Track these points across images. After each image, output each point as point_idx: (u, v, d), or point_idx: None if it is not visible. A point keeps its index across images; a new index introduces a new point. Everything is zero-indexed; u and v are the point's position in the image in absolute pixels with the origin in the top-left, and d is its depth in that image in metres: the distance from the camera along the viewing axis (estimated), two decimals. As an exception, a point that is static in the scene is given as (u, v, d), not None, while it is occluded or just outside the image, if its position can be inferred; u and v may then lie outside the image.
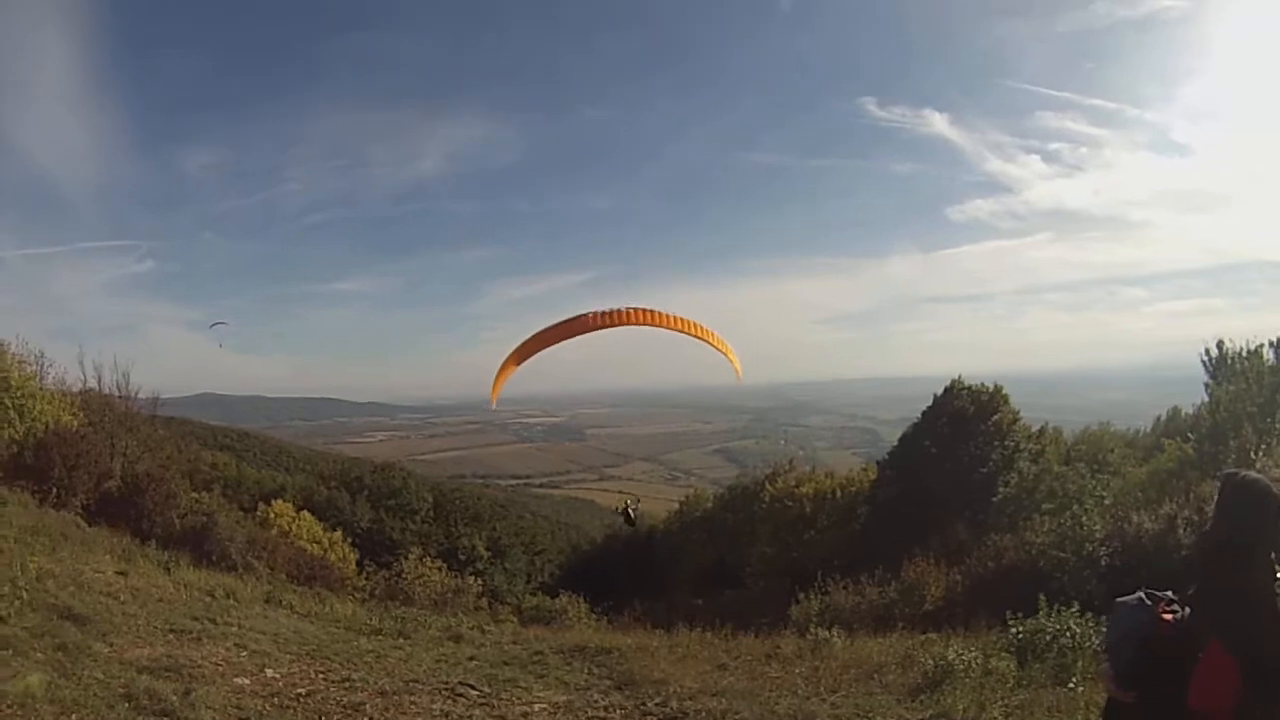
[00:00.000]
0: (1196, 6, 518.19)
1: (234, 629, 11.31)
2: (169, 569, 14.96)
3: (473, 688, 9.44)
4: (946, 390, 28.40)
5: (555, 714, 8.79)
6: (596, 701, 9.36)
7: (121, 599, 11.21)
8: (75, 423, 21.81)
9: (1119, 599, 3.89)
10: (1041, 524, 17.84)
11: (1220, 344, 25.47)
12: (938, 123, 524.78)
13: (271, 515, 28.43)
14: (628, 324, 12.76)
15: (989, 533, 20.07)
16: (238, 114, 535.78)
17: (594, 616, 24.79)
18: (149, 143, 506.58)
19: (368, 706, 8.20)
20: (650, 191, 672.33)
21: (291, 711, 7.73)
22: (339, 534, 30.48)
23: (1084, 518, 16.07)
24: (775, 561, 31.42)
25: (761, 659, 12.08)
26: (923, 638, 13.36)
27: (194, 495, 25.49)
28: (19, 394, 21.21)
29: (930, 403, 28.93)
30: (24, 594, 9.22)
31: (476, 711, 8.56)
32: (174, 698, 7.03)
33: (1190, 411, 26.39)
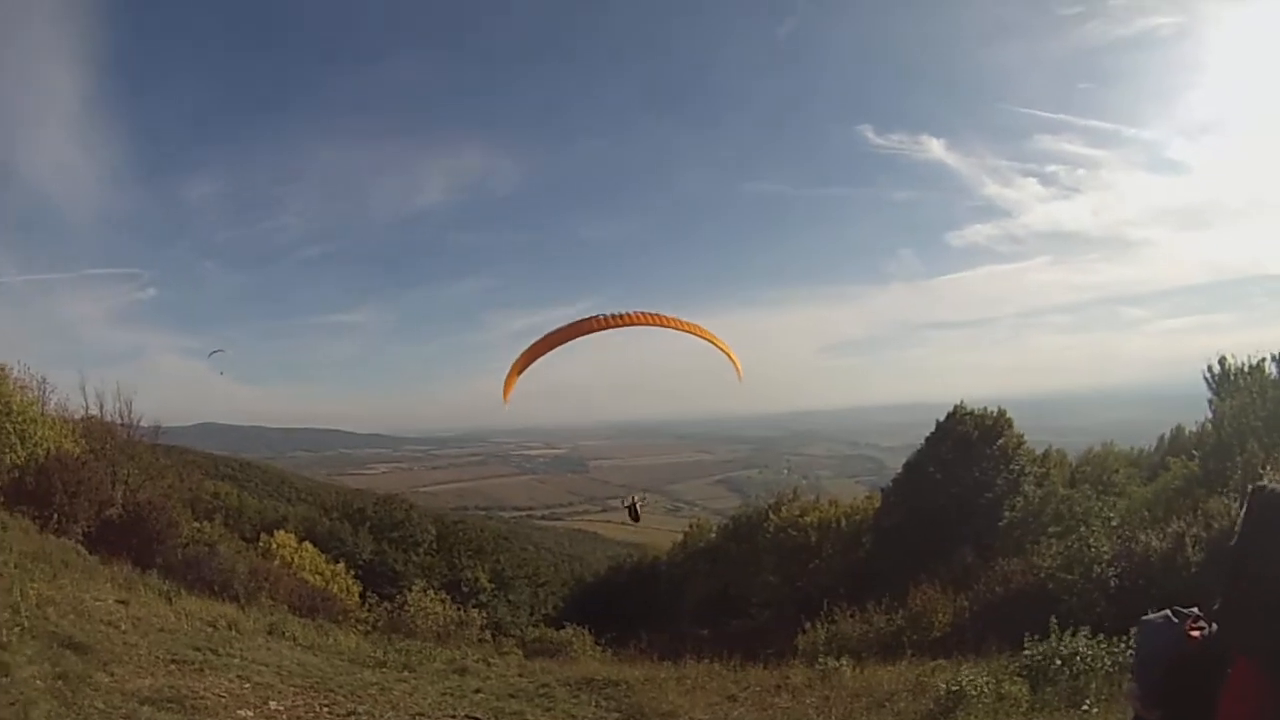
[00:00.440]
0: (1190, 23, 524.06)
1: (236, 660, 11.22)
2: (170, 598, 14.86)
3: (479, 720, 9.33)
4: (950, 415, 28.33)
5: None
6: (605, 734, 9.25)
7: (123, 628, 11.12)
8: (77, 449, 21.81)
9: (1144, 618, 3.82)
10: (1049, 547, 17.77)
11: (1222, 360, 25.49)
12: (935, 148, 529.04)
13: (274, 546, 28.25)
14: (633, 325, 12.91)
15: (996, 557, 19.96)
16: (239, 144, 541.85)
17: (599, 648, 24.53)
18: (151, 171, 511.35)
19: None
20: (650, 222, 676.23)
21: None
22: (341, 566, 30.23)
23: (1091, 539, 16.00)
24: (781, 591, 31.17)
25: (771, 690, 11.97)
26: (932, 664, 13.24)
27: (196, 525, 25.39)
28: (20, 419, 21.25)
29: (934, 428, 28.82)
30: (25, 621, 9.16)
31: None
32: (176, 730, 6.96)
33: (1194, 429, 26.27)
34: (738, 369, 14.81)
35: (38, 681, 7.53)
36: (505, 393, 14.05)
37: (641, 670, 13.71)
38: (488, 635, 25.63)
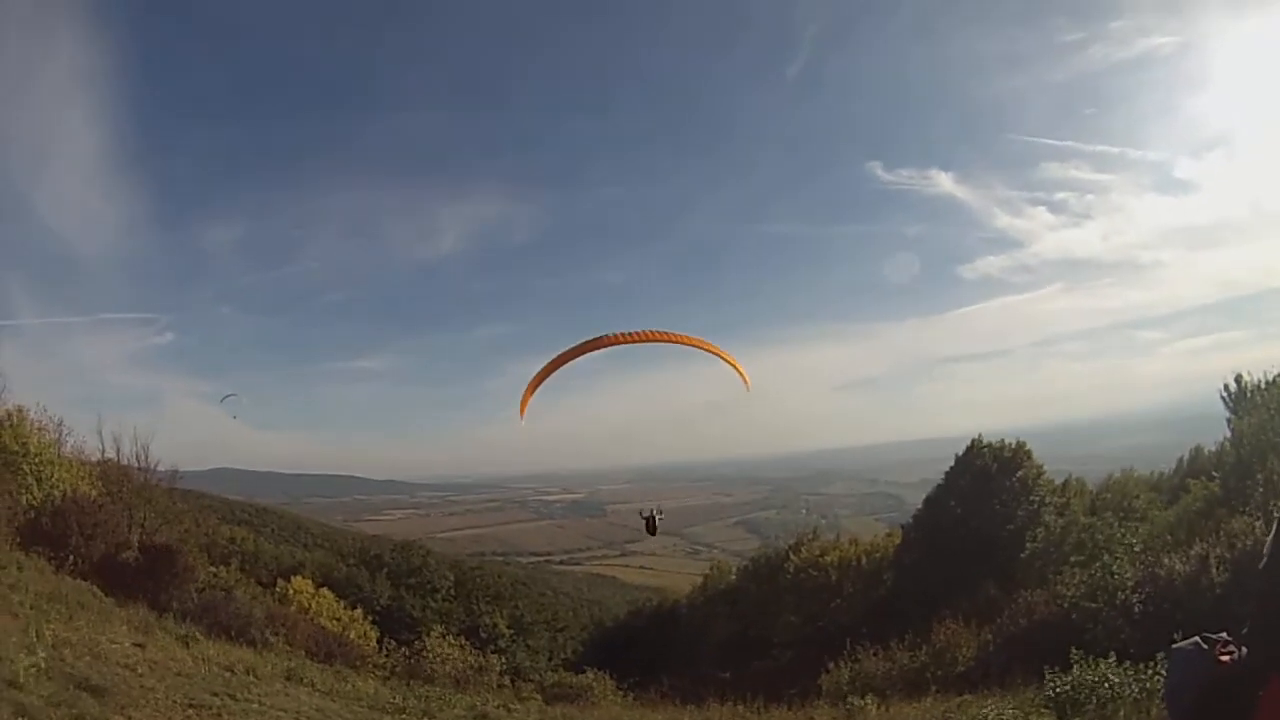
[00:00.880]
0: (1190, 40, 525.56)
1: (255, 705, 11.18)
2: (187, 642, 14.80)
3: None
4: (968, 449, 28.22)
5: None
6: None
7: (139, 671, 11.08)
8: (93, 492, 21.99)
9: (1174, 646, 3.81)
10: (1071, 576, 17.56)
11: (1239, 378, 25.35)
12: (944, 182, 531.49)
13: (291, 591, 28.24)
14: (644, 341, 13.13)
15: (1019, 589, 19.66)
16: (258, 191, 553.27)
17: (620, 693, 24.23)
18: (170, 217, 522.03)
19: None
20: (664, 265, 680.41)
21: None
22: (359, 611, 30.14)
23: (1114, 566, 15.82)
24: (803, 631, 30.86)
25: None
26: (958, 700, 13.06)
27: (212, 569, 25.44)
28: (37, 460, 21.50)
29: (953, 463, 28.67)
30: (41, 662, 9.16)
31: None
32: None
33: (1213, 449, 26.03)
34: (745, 380, 14.95)
35: (55, 722, 7.54)
36: (521, 409, 14.30)
37: (664, 714, 13.58)
38: (507, 681, 25.33)
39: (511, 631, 41.23)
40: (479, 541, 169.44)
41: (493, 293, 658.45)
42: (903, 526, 32.70)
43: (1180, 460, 28.98)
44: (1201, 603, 12.79)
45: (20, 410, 22.60)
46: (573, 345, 13.60)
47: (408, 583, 41.86)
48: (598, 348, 13.25)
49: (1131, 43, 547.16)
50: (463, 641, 26.63)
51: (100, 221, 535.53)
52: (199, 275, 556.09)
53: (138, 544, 20.76)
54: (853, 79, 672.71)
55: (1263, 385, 24.37)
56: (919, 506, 30.96)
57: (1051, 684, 10.77)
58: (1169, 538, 19.34)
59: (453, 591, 44.08)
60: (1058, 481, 27.71)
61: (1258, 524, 14.55)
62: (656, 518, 17.02)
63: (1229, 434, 24.36)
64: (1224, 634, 3.63)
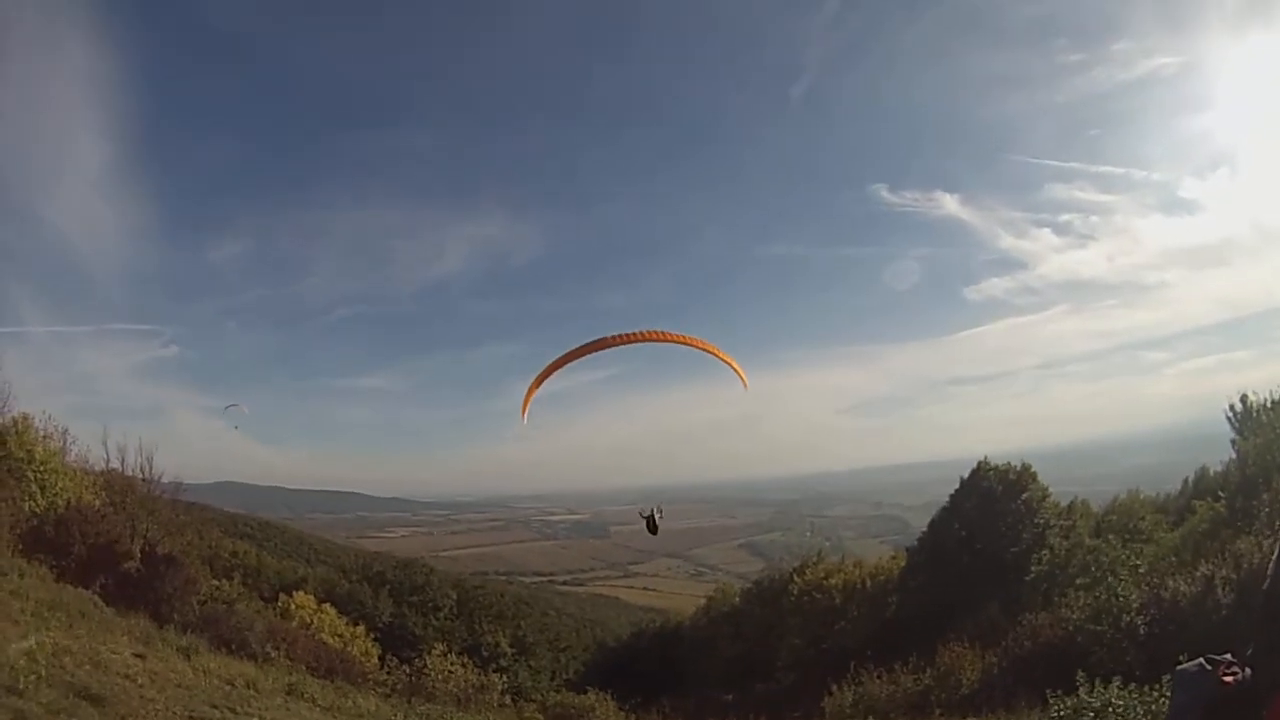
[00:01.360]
0: (1193, 60, 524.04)
1: (255, 720, 11.15)
2: (189, 654, 14.78)
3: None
4: (973, 472, 28.14)
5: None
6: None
7: (139, 682, 11.07)
8: (97, 501, 22.06)
9: (1178, 668, 3.83)
10: (1076, 599, 17.49)
11: (1244, 398, 25.33)
12: (949, 204, 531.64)
13: (293, 606, 28.20)
14: (642, 342, 13.25)
15: (1024, 612, 19.58)
16: (264, 207, 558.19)
17: (622, 714, 24.13)
18: (178, 230, 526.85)
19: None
20: (668, 287, 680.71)
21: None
22: (361, 628, 30.07)
23: (1119, 589, 15.74)
24: (806, 654, 30.70)
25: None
26: (962, 722, 12.96)
27: (214, 582, 25.44)
28: (42, 468, 21.59)
29: (958, 485, 28.58)
30: (41, 669, 9.17)
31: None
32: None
33: (1219, 469, 25.91)
34: (743, 378, 15.00)
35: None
36: (523, 409, 14.43)
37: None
38: (509, 700, 25.24)
39: (514, 651, 41.02)
40: (482, 560, 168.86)
41: (497, 313, 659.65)
42: (907, 549, 32.54)
43: (1186, 481, 28.85)
44: (1207, 624, 12.71)
45: (26, 418, 22.77)
46: (574, 348, 13.71)
47: (410, 600, 41.73)
48: (598, 349, 13.37)
49: (1134, 64, 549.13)
50: (465, 660, 26.52)
51: (107, 232, 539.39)
52: (205, 289, 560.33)
53: (140, 554, 20.76)
54: (857, 101, 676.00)
55: (1268, 404, 24.34)
56: (924, 529, 30.84)
57: (1055, 707, 10.70)
58: (1174, 559, 19.25)
59: (455, 610, 43.90)
60: (1063, 503, 27.57)
61: (1263, 544, 14.49)
62: (657, 516, 16.68)
63: (1234, 454, 24.29)
64: (1228, 655, 3.64)
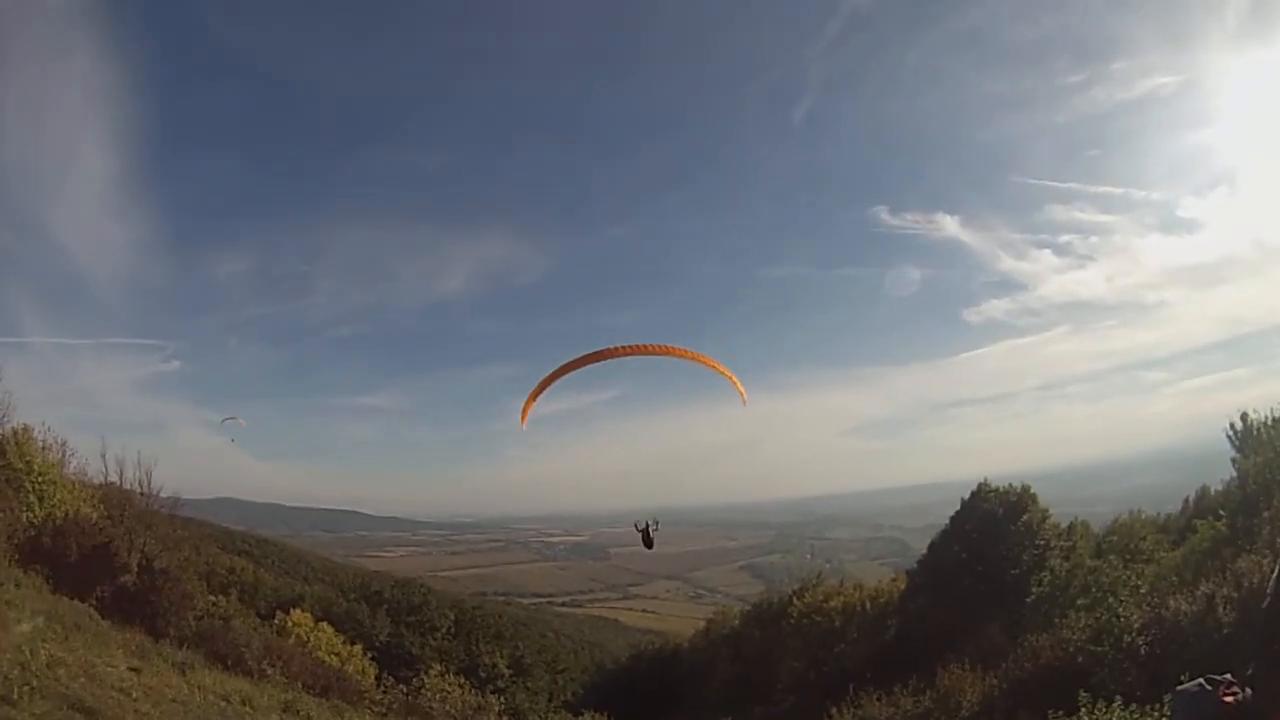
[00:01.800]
0: (1192, 79, 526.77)
1: (250, 735, 11.08)
2: (184, 670, 14.67)
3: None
4: (974, 494, 28.03)
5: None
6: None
7: (134, 696, 11.00)
8: (94, 515, 22.01)
9: (1179, 687, 3.83)
10: (1077, 620, 17.35)
11: (1244, 416, 25.22)
12: (949, 225, 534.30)
13: (290, 624, 28.07)
14: (642, 354, 13.35)
15: (1024, 634, 19.43)
16: (268, 223, 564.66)
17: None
18: (181, 246, 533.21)
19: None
20: (671, 309, 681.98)
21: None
22: (358, 647, 29.92)
23: (1120, 609, 15.68)
24: (805, 676, 30.46)
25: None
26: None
27: (211, 598, 25.35)
28: (40, 480, 21.57)
29: (958, 507, 28.47)
30: (34, 680, 9.12)
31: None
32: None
33: (1219, 488, 25.77)
34: (741, 392, 15.03)
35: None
36: (523, 417, 14.52)
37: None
38: (505, 721, 25.10)
39: (511, 672, 40.87)
40: (481, 581, 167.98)
41: (499, 333, 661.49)
42: (907, 571, 32.38)
43: (1187, 500, 28.71)
44: (1209, 643, 12.63)
45: (26, 429, 22.76)
46: (574, 358, 13.81)
47: (407, 620, 41.59)
48: (597, 360, 13.46)
49: (1133, 83, 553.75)
50: (462, 680, 26.47)
51: (111, 245, 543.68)
52: (207, 304, 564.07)
53: (137, 568, 20.70)
54: (858, 123, 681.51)
55: (1268, 422, 24.26)
56: (924, 551, 30.68)
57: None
58: (1175, 579, 19.11)
59: (453, 630, 43.76)
60: (1063, 524, 27.43)
61: (1264, 562, 14.42)
62: (652, 530, 16.48)
63: (1235, 472, 24.20)
64: (1228, 675, 3.64)
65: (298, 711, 15.38)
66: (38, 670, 9.64)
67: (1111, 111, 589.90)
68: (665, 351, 13.71)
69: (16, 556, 18.32)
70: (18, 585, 15.75)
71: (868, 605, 32.51)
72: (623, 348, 13.46)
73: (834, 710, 20.45)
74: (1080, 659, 14.88)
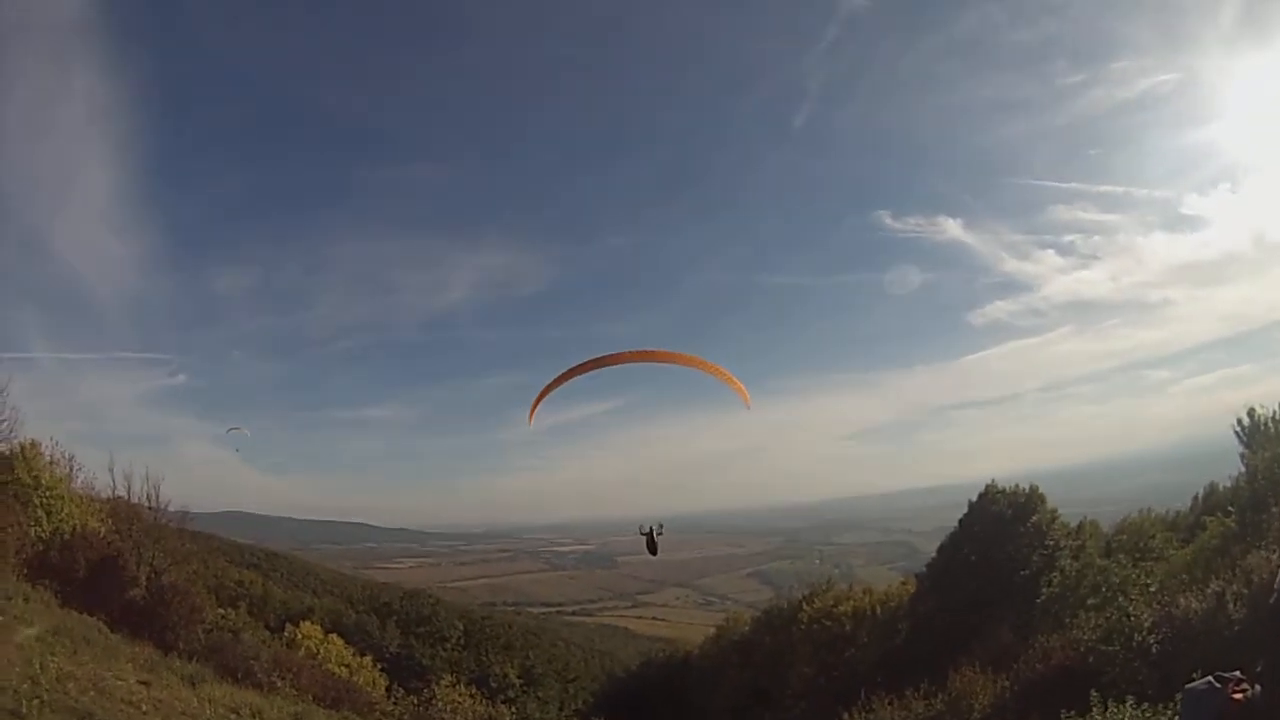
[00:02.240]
0: (1191, 76, 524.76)
1: (260, 747, 11.09)
2: (194, 683, 14.68)
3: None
4: (981, 496, 27.93)
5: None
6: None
7: (144, 709, 11.02)
8: (102, 529, 22.06)
9: (1187, 686, 3.86)
10: (1088, 620, 17.26)
11: (1251, 412, 25.11)
12: (952, 228, 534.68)
13: (299, 636, 28.09)
14: (642, 361, 13.42)
15: (1035, 635, 19.32)
16: (271, 237, 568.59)
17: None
18: (184, 261, 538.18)
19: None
20: (674, 317, 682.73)
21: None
22: (368, 658, 29.93)
23: (1130, 608, 15.60)
24: (816, 682, 30.32)
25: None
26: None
27: (220, 611, 25.35)
28: (48, 494, 21.64)
29: (966, 510, 28.38)
30: (44, 694, 9.15)
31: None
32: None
33: (1228, 485, 25.59)
34: (743, 394, 15.03)
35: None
36: (530, 416, 14.67)
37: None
38: (516, 731, 25.09)
39: (522, 682, 40.80)
40: (490, 591, 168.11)
41: (501, 343, 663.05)
42: (916, 575, 32.27)
43: (1196, 497, 28.50)
44: (1219, 641, 12.53)
45: (33, 444, 22.86)
46: (580, 362, 13.87)
47: (417, 631, 41.64)
48: (604, 365, 13.51)
49: (1133, 82, 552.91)
50: (473, 691, 26.45)
51: (114, 261, 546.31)
52: (211, 318, 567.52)
53: (145, 582, 20.76)
54: (858, 129, 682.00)
55: (1276, 418, 24.16)
56: (933, 554, 30.57)
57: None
58: (1185, 576, 18.96)
59: (463, 640, 43.80)
60: (1072, 524, 27.31)
61: (1273, 558, 14.35)
62: (656, 534, 16.25)
63: (1243, 468, 24.07)
64: (1237, 672, 3.66)
65: (308, 723, 15.40)
66: (47, 684, 9.66)
67: (1112, 111, 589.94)
68: (668, 359, 13.75)
69: (25, 571, 18.37)
70: (26, 600, 15.79)
71: (877, 609, 32.40)
72: (627, 354, 13.50)
73: (845, 715, 20.35)
74: (1091, 659, 14.79)
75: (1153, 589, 19.00)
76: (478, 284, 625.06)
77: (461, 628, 45.19)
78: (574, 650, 67.48)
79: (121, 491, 24.32)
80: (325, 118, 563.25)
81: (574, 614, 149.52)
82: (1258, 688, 3.56)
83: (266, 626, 29.58)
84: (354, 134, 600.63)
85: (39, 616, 14.52)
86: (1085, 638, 15.85)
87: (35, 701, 8.75)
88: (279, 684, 18.42)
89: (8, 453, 22.52)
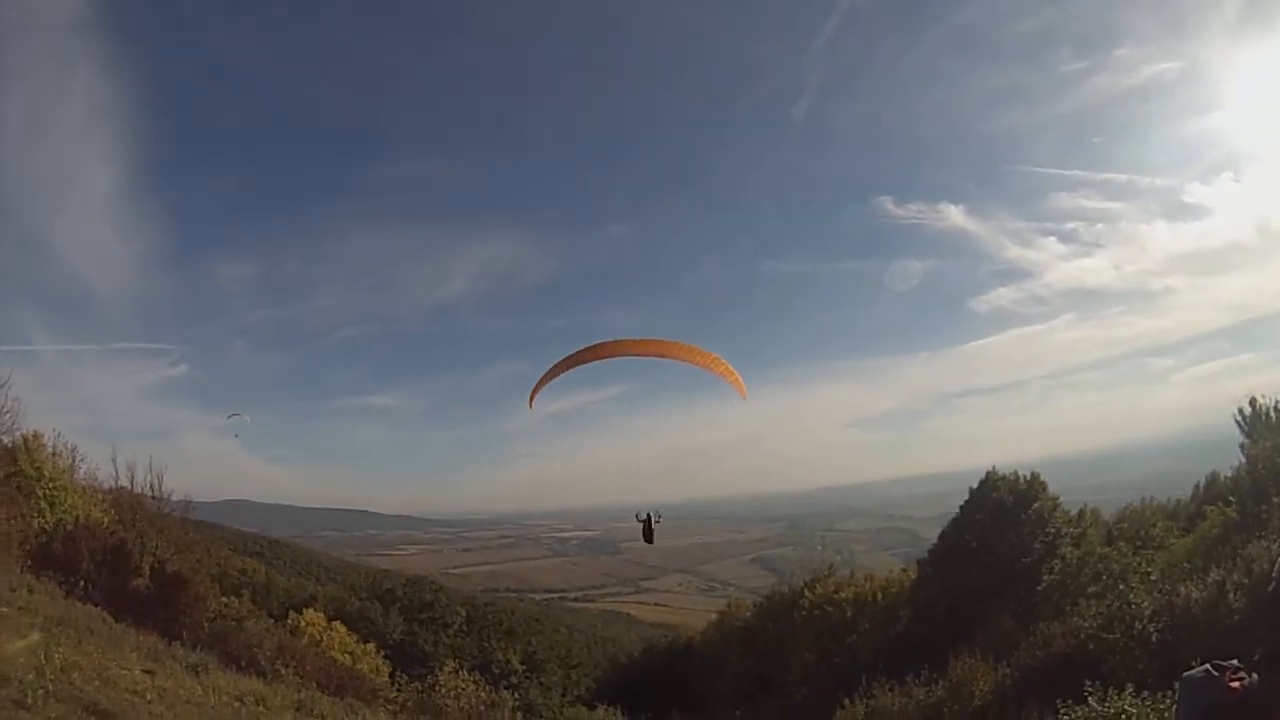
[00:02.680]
0: (1194, 64, 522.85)
1: (265, 735, 11.14)
2: (198, 671, 14.73)
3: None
4: (983, 483, 27.95)
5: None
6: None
7: (148, 698, 11.06)
8: (105, 519, 22.13)
9: (1185, 674, 3.86)
10: (1088, 608, 17.33)
11: (1253, 401, 25.15)
12: (954, 215, 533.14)
13: (302, 624, 28.20)
14: (639, 354, 13.42)
15: (1036, 622, 19.38)
16: (271, 229, 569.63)
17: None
18: (185, 252, 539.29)
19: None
20: (676, 305, 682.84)
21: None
22: (371, 645, 30.04)
23: (1130, 597, 15.63)
24: (817, 669, 30.41)
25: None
26: (974, 733, 12.87)
27: (223, 599, 25.46)
28: (51, 485, 21.71)
29: (968, 497, 28.40)
30: (49, 684, 9.19)
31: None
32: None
33: (1229, 474, 25.58)
34: (741, 388, 15.01)
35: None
36: (530, 399, 14.75)
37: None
38: (519, 717, 25.20)
39: (524, 668, 40.94)
40: (493, 578, 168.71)
41: (504, 333, 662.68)
42: (918, 561, 32.33)
43: (1197, 487, 28.48)
44: (1219, 629, 12.57)
45: (36, 436, 22.92)
46: (581, 349, 13.87)
47: (420, 617, 41.71)
48: (604, 355, 13.49)
49: (1136, 70, 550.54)
50: (475, 677, 26.55)
51: (115, 256, 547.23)
52: (213, 310, 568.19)
53: (149, 572, 20.83)
54: (858, 120, 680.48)
55: (1277, 407, 24.16)
56: (934, 541, 30.64)
57: (1066, 717, 10.63)
58: (1186, 565, 18.98)
59: (465, 627, 43.85)
60: (1073, 512, 27.34)
61: (1273, 547, 14.38)
62: (654, 521, 16.24)
63: (1244, 458, 24.07)
64: (1234, 661, 3.66)
65: (311, 711, 15.47)
66: (52, 674, 9.70)
67: (1115, 99, 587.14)
68: (664, 352, 13.70)
69: (29, 562, 18.42)
70: (30, 591, 15.84)
71: (879, 596, 32.49)
72: (627, 344, 13.46)
73: (846, 701, 20.42)
74: (1091, 646, 14.85)
75: (1153, 577, 19.03)
76: (480, 274, 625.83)
77: (464, 614, 45.25)
78: (576, 636, 67.72)
79: (124, 482, 24.45)
80: (326, 114, 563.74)
81: (576, 600, 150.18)
82: (1255, 676, 3.55)
83: (270, 614, 29.63)
84: (355, 130, 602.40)
85: (43, 607, 14.57)
86: (1086, 625, 15.90)
87: (40, 692, 8.78)
88: (283, 671, 18.49)
89: (10, 445, 22.60)
